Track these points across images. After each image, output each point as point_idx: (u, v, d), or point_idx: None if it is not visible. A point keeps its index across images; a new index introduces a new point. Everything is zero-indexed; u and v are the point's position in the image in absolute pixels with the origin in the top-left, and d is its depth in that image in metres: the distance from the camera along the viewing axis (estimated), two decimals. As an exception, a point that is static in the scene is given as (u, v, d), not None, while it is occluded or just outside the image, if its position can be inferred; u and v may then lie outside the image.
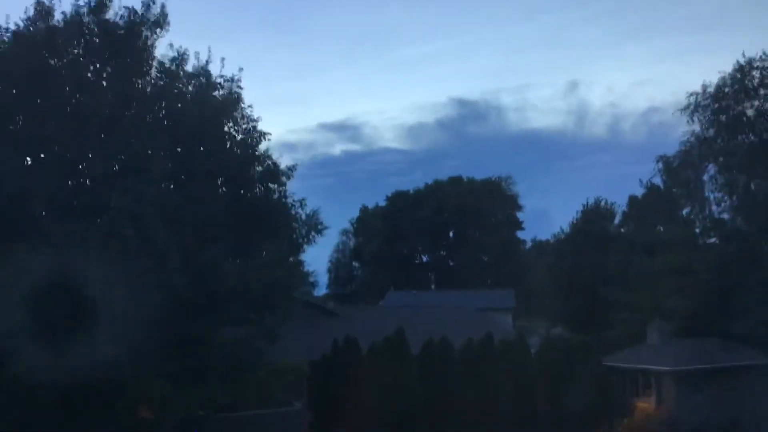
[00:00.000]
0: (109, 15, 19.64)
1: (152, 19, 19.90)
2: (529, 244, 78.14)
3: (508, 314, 46.68)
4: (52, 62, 19.28)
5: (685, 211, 33.03)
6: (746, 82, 27.77)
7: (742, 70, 28.00)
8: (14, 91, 18.68)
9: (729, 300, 29.62)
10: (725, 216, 30.28)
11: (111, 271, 16.42)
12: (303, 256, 24.01)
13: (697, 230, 33.39)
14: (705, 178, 29.60)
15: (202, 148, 20.39)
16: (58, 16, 19.44)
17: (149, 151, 18.86)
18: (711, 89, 28.19)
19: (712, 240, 33.00)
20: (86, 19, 19.43)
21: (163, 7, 19.92)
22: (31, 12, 19.25)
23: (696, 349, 29.73)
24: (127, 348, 16.78)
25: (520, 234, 76.52)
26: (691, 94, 28.50)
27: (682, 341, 30.86)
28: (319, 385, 27.06)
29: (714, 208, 30.06)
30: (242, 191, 21.16)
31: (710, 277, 30.79)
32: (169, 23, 20.08)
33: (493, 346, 28.36)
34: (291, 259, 22.95)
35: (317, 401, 26.97)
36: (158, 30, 20.02)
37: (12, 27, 19.07)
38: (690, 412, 27.30)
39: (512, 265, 69.10)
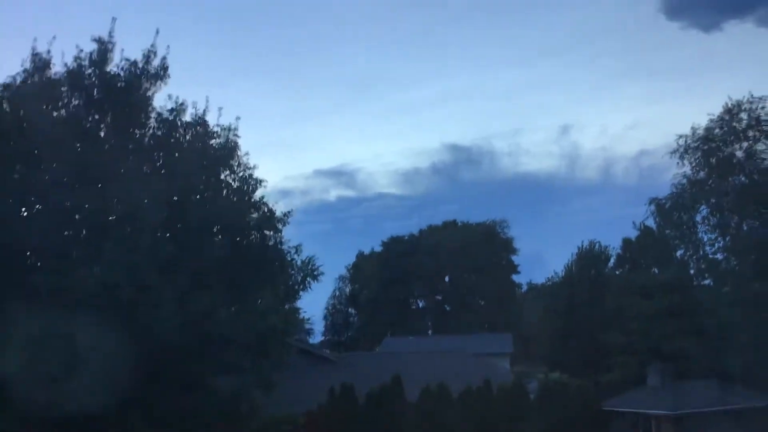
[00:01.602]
0: (110, 67, 19.99)
1: (152, 71, 20.23)
2: (524, 288, 78.01)
3: (505, 359, 46.31)
4: (51, 112, 19.51)
5: (679, 253, 33.17)
6: (735, 124, 28.23)
7: (731, 112, 28.49)
8: (11, 141, 18.85)
9: (726, 341, 29.55)
10: (719, 256, 30.41)
11: (105, 319, 16.37)
12: (299, 303, 24.03)
13: (692, 271, 33.50)
14: (698, 219, 29.83)
15: (198, 197, 20.54)
16: (59, 67, 19.78)
17: (145, 201, 18.98)
18: (700, 131, 28.64)
19: (707, 281, 33.09)
20: (87, 71, 19.74)
21: (163, 59, 20.30)
22: (29, 64, 19.58)
23: (695, 391, 29.55)
24: (118, 394, 16.65)
25: (515, 277, 76.51)
26: (681, 137, 28.94)
27: (682, 384, 30.68)
28: (315, 434, 26.69)
29: (707, 249, 30.20)
30: (238, 238, 21.22)
31: (706, 319, 30.78)
32: (168, 75, 20.45)
33: (492, 391, 28.12)
34: (287, 305, 22.88)
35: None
36: (158, 82, 20.35)
37: (7, 80, 19.34)
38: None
39: (509, 309, 68.84)
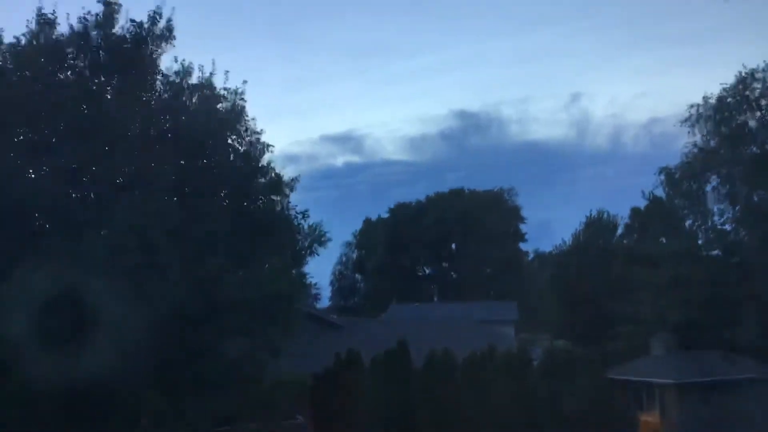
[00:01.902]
0: (116, 29, 19.76)
1: (158, 33, 20.02)
2: (531, 256, 78.08)
3: (510, 326, 46.55)
4: (57, 74, 19.38)
5: (687, 223, 32.99)
6: (748, 93, 27.81)
7: (744, 81, 28.05)
8: (17, 102, 18.76)
9: (732, 311, 29.54)
10: (728, 227, 30.24)
11: (113, 284, 16.45)
12: (306, 269, 24.05)
13: (700, 242, 33.35)
14: (707, 189, 29.59)
15: (205, 161, 20.48)
16: (63, 29, 19.59)
17: (153, 165, 18.92)
18: (712, 100, 28.24)
19: (715, 252, 32.94)
20: (93, 32, 19.54)
21: (169, 21, 20.07)
22: (33, 24, 19.38)
23: (699, 361, 29.64)
24: (126, 359, 16.81)
25: (522, 246, 76.54)
26: (692, 106, 28.56)
27: (686, 353, 30.77)
28: (321, 398, 26.98)
29: (716, 219, 30.02)
30: (245, 203, 21.21)
31: (713, 289, 30.71)
32: (174, 37, 20.23)
33: (496, 358, 28.30)
34: (294, 271, 22.96)
35: (319, 415, 26.89)
36: (164, 44, 20.15)
37: (12, 40, 19.16)
38: (694, 425, 27.17)
39: (515, 277, 69.00)
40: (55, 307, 16.36)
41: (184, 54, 20.70)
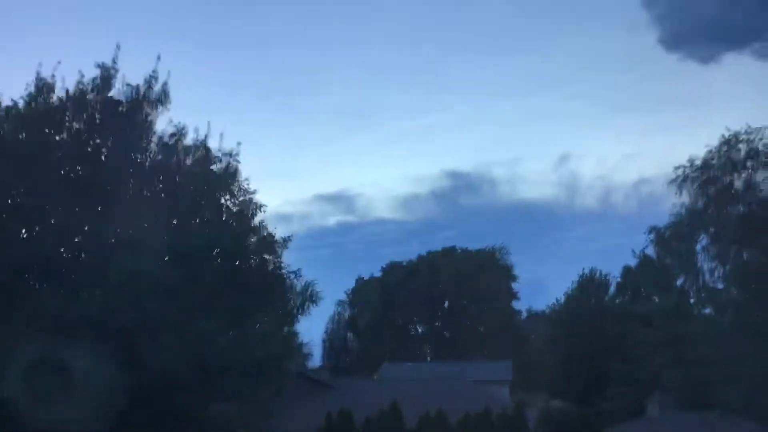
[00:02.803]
0: (112, 92, 20.18)
1: (154, 96, 20.44)
2: (524, 315, 77.69)
3: (505, 386, 45.94)
4: (53, 136, 19.65)
5: (679, 282, 33.13)
6: (732, 155, 28.39)
7: (729, 143, 28.68)
8: (12, 164, 18.96)
9: (727, 370, 29.35)
10: (719, 286, 30.36)
11: (104, 346, 16.33)
12: (297, 328, 23.88)
13: (692, 300, 33.44)
14: (697, 248, 29.86)
15: (198, 221, 20.59)
16: (60, 92, 19.96)
17: (146, 224, 19.02)
18: (698, 162, 28.80)
19: (707, 310, 33.00)
20: (89, 96, 19.93)
21: (164, 84, 20.51)
22: (32, 88, 19.75)
23: (695, 423, 29.27)
24: (114, 422, 16.53)
25: (515, 304, 76.20)
26: (678, 167, 29.09)
27: (682, 414, 30.42)
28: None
29: (707, 278, 30.17)
30: (237, 263, 21.23)
31: (707, 348, 30.60)
32: (170, 101, 20.64)
33: (491, 420, 27.90)
34: (285, 329, 22.80)
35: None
36: (159, 107, 20.55)
37: (8, 103, 19.49)
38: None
39: (509, 336, 68.44)
40: (45, 367, 16.18)
41: (180, 115, 21.12)
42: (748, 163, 28.25)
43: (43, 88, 19.77)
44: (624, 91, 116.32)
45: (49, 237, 18.68)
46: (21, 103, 19.54)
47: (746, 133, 28.19)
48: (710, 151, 28.58)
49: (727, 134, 28.44)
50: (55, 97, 19.94)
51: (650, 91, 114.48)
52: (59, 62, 19.88)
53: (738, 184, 28.55)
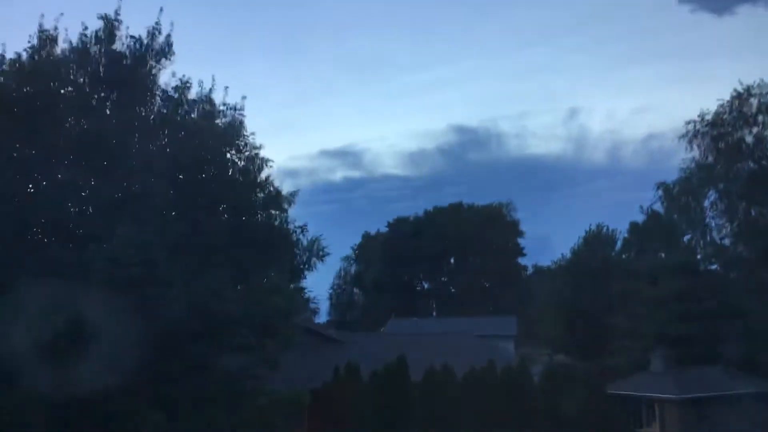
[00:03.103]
0: (115, 45, 19.91)
1: (157, 48, 20.17)
2: (530, 271, 77.97)
3: (510, 341, 46.39)
4: (57, 90, 19.49)
5: (686, 238, 33.04)
6: (744, 109, 27.97)
7: (740, 97, 28.22)
8: (17, 117, 18.86)
9: (732, 326, 29.51)
10: (726, 242, 30.28)
11: (113, 297, 16.46)
12: (304, 283, 24.05)
13: (699, 256, 33.37)
14: (705, 204, 29.68)
15: (204, 176, 20.54)
16: (63, 44, 19.75)
17: (152, 179, 18.98)
18: (709, 117, 28.41)
19: (714, 266, 32.97)
20: (93, 48, 19.68)
21: (168, 37, 20.27)
22: (35, 40, 19.52)
23: (700, 377, 29.52)
24: (125, 373, 16.77)
25: (521, 260, 76.40)
26: (689, 122, 28.70)
27: (686, 369, 30.65)
28: (320, 413, 26.85)
29: (715, 234, 30.07)
30: (244, 218, 21.25)
31: (712, 304, 30.70)
32: (173, 53, 20.40)
33: (496, 373, 28.20)
34: (292, 285, 22.94)
35: (318, 429, 26.75)
36: (163, 60, 20.29)
37: (12, 56, 19.30)
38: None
39: (514, 292, 68.86)
40: (55, 319, 16.35)
41: (184, 69, 20.99)
42: (760, 118, 27.86)
43: (46, 40, 19.55)
44: (634, 43, 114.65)
45: (56, 191, 18.67)
46: (24, 56, 19.34)
47: (759, 87, 27.74)
48: (722, 106, 28.18)
49: (739, 88, 27.99)
50: (58, 50, 19.74)
51: (661, 43, 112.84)
52: (61, 14, 19.68)
53: (749, 139, 28.21)
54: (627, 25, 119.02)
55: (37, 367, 16.10)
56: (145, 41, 20.04)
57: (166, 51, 20.29)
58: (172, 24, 20.31)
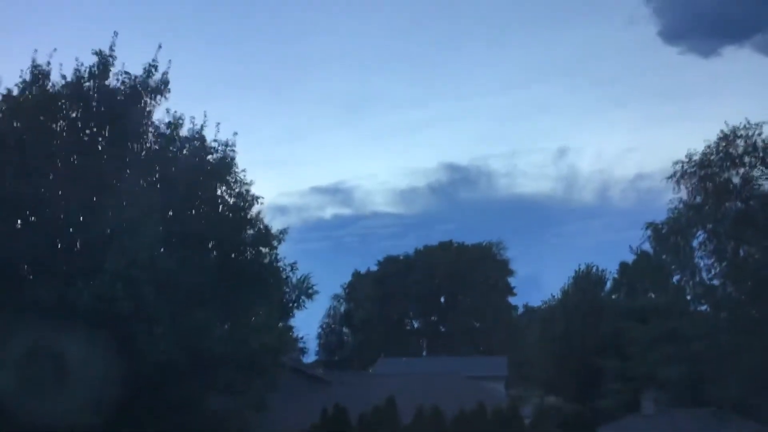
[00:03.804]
0: (110, 80, 19.99)
1: (153, 85, 20.25)
2: (521, 310, 77.73)
3: (500, 382, 45.93)
4: (50, 125, 19.48)
5: (675, 278, 33.02)
6: (731, 150, 28.23)
7: (727, 138, 28.50)
8: (8, 150, 18.77)
9: (722, 367, 29.33)
10: (716, 282, 30.26)
11: (99, 335, 16.21)
12: (293, 322, 23.87)
13: (688, 297, 33.32)
14: (694, 244, 29.71)
15: (194, 212, 20.46)
16: (57, 79, 19.78)
17: (142, 215, 18.88)
18: (696, 157, 28.60)
19: (704, 307, 32.91)
20: (86, 84, 19.74)
21: (165, 74, 20.32)
22: (28, 75, 19.56)
23: (689, 420, 29.29)
24: (109, 412, 16.46)
25: (511, 300, 76.22)
26: (677, 162, 28.90)
27: (677, 411, 30.44)
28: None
29: (704, 274, 30.06)
30: (233, 255, 21.12)
31: (702, 345, 30.59)
32: (169, 90, 20.47)
33: (486, 416, 27.83)
34: (280, 324, 22.72)
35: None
36: (158, 97, 20.37)
37: (3, 91, 19.32)
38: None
39: (504, 331, 68.50)
40: (40, 357, 16.07)
41: (175, 103, 20.95)
42: (746, 159, 28.11)
43: (39, 75, 19.60)
44: (623, 84, 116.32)
45: (45, 227, 18.52)
46: (16, 91, 19.37)
47: (744, 128, 28.02)
48: (708, 147, 28.41)
49: (725, 129, 28.30)
50: (50, 85, 19.78)
51: (650, 84, 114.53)
52: (55, 49, 19.75)
53: (736, 179, 28.41)
54: (615, 66, 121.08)
55: (20, 405, 15.78)
56: (141, 78, 20.11)
57: (161, 88, 20.38)
58: (170, 62, 20.46)
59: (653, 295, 41.66)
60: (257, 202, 21.37)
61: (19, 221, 19.06)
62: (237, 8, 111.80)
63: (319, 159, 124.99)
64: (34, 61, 19.56)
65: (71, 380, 16.22)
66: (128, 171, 19.89)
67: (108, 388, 16.23)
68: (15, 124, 19.10)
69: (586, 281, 47.63)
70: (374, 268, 75.54)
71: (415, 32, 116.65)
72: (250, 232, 21.34)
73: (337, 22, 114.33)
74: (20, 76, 19.44)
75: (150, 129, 20.55)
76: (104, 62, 19.85)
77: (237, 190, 21.26)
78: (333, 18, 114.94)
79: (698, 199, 28.80)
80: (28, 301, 16.90)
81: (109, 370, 16.20)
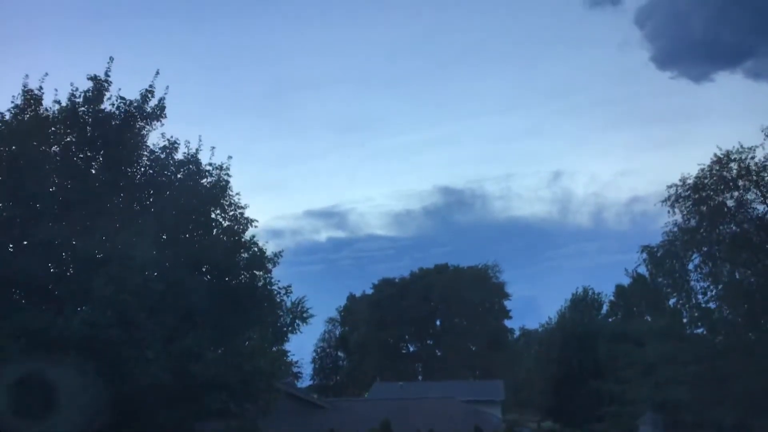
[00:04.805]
0: (105, 105, 19.97)
1: (148, 110, 20.25)
2: (517, 333, 77.44)
3: (497, 407, 45.54)
4: (42, 149, 19.40)
5: (671, 301, 32.94)
6: (725, 173, 28.33)
7: (720, 162, 28.62)
8: (0, 175, 18.68)
9: (720, 390, 29.14)
10: (712, 305, 30.20)
11: (89, 360, 16.02)
12: (287, 346, 23.60)
13: (685, 320, 33.24)
14: (690, 267, 29.69)
15: (187, 235, 20.36)
16: (51, 104, 19.74)
17: (134, 239, 18.78)
18: (690, 181, 28.70)
19: (700, 330, 32.80)
20: (81, 109, 19.71)
21: (161, 100, 20.33)
22: (19, 100, 19.54)
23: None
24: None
25: (507, 323, 75.94)
26: (671, 186, 28.98)
27: (675, 435, 30.13)
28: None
29: (700, 297, 30.00)
30: (227, 278, 20.97)
31: (700, 368, 30.43)
32: (165, 116, 20.48)
33: (482, 440, 27.56)
34: (275, 348, 22.50)
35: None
36: (154, 122, 20.38)
37: None
38: None
39: (501, 355, 68.15)
40: (30, 383, 15.86)
41: (170, 128, 20.94)
42: (740, 182, 28.20)
43: (31, 100, 19.56)
44: (617, 109, 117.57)
45: (36, 252, 18.38)
46: (7, 116, 19.33)
47: (738, 152, 28.17)
48: (702, 170, 28.52)
49: (719, 153, 28.43)
50: (43, 109, 19.74)
51: (643, 108, 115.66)
52: (46, 74, 19.74)
53: (730, 202, 28.48)
54: (609, 90, 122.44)
55: (12, 426, 15.55)
56: (137, 103, 20.09)
57: (157, 113, 20.38)
58: (167, 88, 20.48)
59: (649, 319, 41.53)
60: (251, 226, 21.32)
61: (11, 245, 18.90)
62: (232, 32, 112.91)
63: (314, 182, 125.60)
64: (25, 86, 19.57)
65: (62, 407, 16.00)
66: (122, 196, 19.81)
67: (99, 413, 16.00)
68: (8, 148, 19.03)
69: (583, 304, 47.54)
70: (369, 291, 75.36)
71: (410, 56, 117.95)
72: (245, 255, 21.22)
73: (333, 46, 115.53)
74: (12, 101, 19.44)
75: (145, 153, 20.51)
76: (99, 87, 19.86)
77: (231, 214, 21.18)
78: (328, 43, 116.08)
79: (693, 222, 28.85)
80: (18, 327, 16.70)
81: (100, 396, 15.98)
